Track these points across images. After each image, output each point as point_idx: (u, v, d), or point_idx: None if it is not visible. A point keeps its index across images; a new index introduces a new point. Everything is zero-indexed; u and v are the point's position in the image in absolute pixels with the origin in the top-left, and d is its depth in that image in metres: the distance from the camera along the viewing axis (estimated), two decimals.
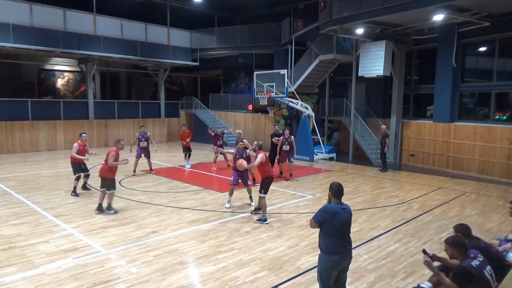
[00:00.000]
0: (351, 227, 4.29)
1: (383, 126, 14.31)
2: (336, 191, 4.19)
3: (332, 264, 4.06)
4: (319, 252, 4.21)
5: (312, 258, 5.81)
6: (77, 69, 21.38)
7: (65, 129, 18.47)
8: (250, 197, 9.04)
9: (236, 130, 13.08)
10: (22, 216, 7.79)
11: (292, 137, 12.20)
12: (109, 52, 18.29)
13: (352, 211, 4.28)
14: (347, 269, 4.29)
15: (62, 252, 5.96)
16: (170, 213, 8.19)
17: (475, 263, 3.83)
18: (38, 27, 16.19)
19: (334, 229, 4.03)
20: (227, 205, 8.72)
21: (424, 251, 4.36)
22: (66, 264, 5.54)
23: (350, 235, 4.25)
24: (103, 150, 17.15)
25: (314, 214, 4.21)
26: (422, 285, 4.68)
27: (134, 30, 19.45)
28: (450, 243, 4.04)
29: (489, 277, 3.83)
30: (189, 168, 13.80)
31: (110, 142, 19.48)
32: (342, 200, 4.23)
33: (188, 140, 14.00)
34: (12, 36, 15.32)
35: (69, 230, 6.99)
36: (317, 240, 4.24)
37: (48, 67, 22.34)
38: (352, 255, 4.30)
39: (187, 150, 14.04)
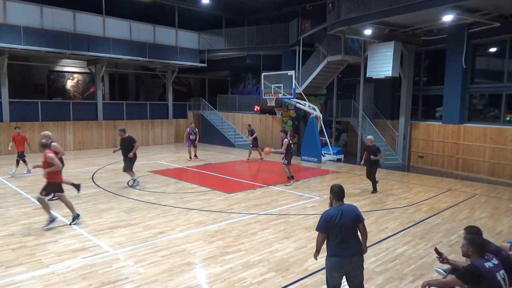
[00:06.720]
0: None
1: (369, 137, 11.07)
2: (337, 193, 4.15)
3: (332, 266, 4.02)
4: (326, 253, 4.20)
5: (320, 259, 5.75)
6: (86, 70, 21.62)
7: (75, 130, 18.66)
8: None
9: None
10: (32, 216, 7.88)
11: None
12: (117, 53, 18.45)
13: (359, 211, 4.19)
14: (358, 276, 4.09)
15: (71, 252, 6.02)
16: (177, 214, 8.22)
17: (488, 264, 3.78)
18: (48, 29, 16.39)
19: (332, 232, 3.99)
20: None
21: (436, 250, 4.35)
22: (74, 264, 5.59)
23: (358, 236, 4.12)
24: (112, 151, 17.37)
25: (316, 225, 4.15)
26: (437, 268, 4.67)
27: (143, 31, 19.60)
28: (468, 239, 3.99)
29: (501, 280, 3.77)
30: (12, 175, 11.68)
31: (118, 143, 19.55)
32: (351, 202, 4.20)
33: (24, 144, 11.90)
34: (23, 38, 15.53)
35: (78, 230, 7.05)
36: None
37: (58, 68, 22.58)
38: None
39: (20, 157, 11.89)
